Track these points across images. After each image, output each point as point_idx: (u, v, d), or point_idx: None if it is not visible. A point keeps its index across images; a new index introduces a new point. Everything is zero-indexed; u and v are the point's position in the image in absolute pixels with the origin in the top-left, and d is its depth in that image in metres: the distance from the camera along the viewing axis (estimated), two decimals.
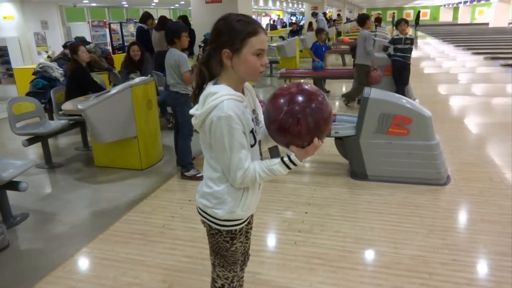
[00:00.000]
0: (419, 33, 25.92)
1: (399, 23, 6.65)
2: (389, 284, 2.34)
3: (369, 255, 2.67)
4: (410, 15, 36.89)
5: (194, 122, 1.41)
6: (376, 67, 6.25)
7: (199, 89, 1.44)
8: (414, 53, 14.03)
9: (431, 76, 10.20)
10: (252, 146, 1.41)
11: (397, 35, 6.58)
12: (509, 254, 2.60)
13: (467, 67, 11.62)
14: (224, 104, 1.30)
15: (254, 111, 1.48)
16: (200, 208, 1.54)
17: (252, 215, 1.70)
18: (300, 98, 1.32)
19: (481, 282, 2.37)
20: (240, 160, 1.35)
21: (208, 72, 1.43)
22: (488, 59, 12.88)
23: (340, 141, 3.84)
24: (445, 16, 46.15)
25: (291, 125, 1.30)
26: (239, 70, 1.36)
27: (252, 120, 1.42)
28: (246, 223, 1.58)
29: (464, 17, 40.31)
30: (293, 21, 24.48)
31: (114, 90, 4.15)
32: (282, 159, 1.39)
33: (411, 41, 6.49)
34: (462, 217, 3.19)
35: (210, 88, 1.37)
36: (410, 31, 15.22)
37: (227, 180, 1.42)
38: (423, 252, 2.63)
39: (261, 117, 1.54)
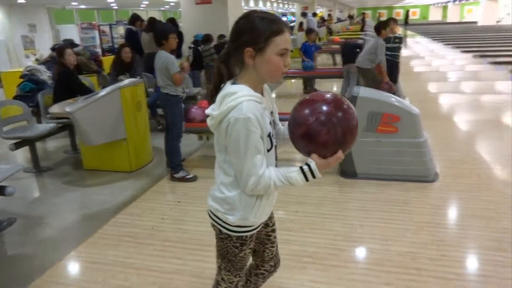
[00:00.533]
0: (409, 32, 26.11)
1: (388, 22, 6.69)
2: (379, 281, 2.35)
3: (359, 252, 2.68)
4: (400, 14, 37.14)
5: (210, 122, 1.35)
6: (387, 81, 5.96)
7: (216, 88, 1.38)
8: (404, 52, 14.13)
9: (421, 75, 10.28)
10: (268, 150, 1.36)
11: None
12: (497, 248, 2.62)
13: (456, 65, 11.72)
14: (243, 105, 1.25)
15: (271, 113, 1.44)
16: (211, 212, 1.50)
17: (272, 216, 1.66)
18: (334, 108, 1.28)
19: (469, 276, 2.39)
20: (254, 165, 1.29)
21: (227, 70, 1.37)
22: (477, 57, 13.01)
23: None
24: (435, 15, 46.59)
25: (319, 133, 1.26)
26: (261, 70, 1.31)
27: (270, 123, 1.37)
28: (259, 228, 1.54)
29: (453, 16, 40.72)
30: None
31: (102, 92, 4.13)
32: (301, 167, 1.31)
33: (400, 40, 6.54)
34: (451, 213, 3.21)
35: (228, 88, 1.32)
36: (400, 30, 15.30)
37: (239, 186, 1.38)
38: (412, 248, 2.64)
39: (278, 120, 1.51)
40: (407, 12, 31.74)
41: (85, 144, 4.14)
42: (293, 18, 28.10)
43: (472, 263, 2.53)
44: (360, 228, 2.94)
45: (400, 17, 32.66)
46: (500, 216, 3.03)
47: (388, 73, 6.53)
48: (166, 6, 22.16)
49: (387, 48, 6.50)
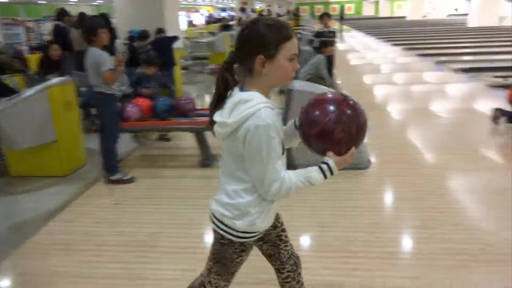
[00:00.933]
0: (344, 27, 27.15)
1: (322, 17, 6.92)
2: (317, 266, 2.43)
3: (299, 240, 2.75)
4: (336, 10, 38.50)
5: (221, 130, 1.34)
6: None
7: (221, 96, 1.37)
8: (341, 46, 14.70)
9: (356, 67, 10.75)
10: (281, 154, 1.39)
11: (321, 28, 6.83)
12: (424, 227, 2.82)
13: (388, 57, 12.40)
14: (261, 112, 1.26)
15: None
16: (215, 217, 1.47)
17: (279, 217, 1.66)
18: (347, 106, 1.34)
19: (399, 254, 2.56)
20: (276, 171, 1.30)
21: (232, 78, 1.37)
22: (406, 49, 13.83)
23: None
24: (368, 10, 48.84)
25: (334, 131, 1.30)
26: (272, 76, 1.32)
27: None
28: (263, 234, 1.55)
29: (384, 11, 42.96)
30: (222, 16, 24.45)
31: (28, 93, 3.85)
32: (320, 166, 1.34)
33: (334, 34, 6.78)
34: (383, 196, 3.40)
35: (240, 95, 1.31)
36: (335, 25, 15.79)
37: (254, 191, 1.38)
38: (348, 233, 2.76)
39: None
40: (342, 7, 32.97)
41: (11, 148, 3.85)
42: (233, 13, 28.10)
43: (402, 242, 2.70)
44: (299, 217, 3.02)
45: (336, 12, 33.83)
46: (426, 197, 3.26)
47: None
48: (99, 1, 21.16)
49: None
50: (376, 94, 7.45)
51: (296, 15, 18.90)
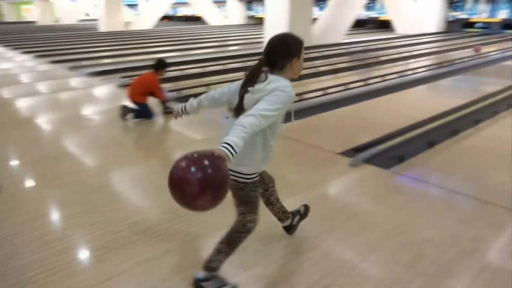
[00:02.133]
0: None
1: None
2: None
3: None
4: None
5: (254, 96, 1.97)
6: None
7: (255, 78, 2.02)
8: None
9: None
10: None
11: None
12: (87, 223, 3.23)
13: (22, 67, 11.60)
14: (291, 89, 1.97)
15: None
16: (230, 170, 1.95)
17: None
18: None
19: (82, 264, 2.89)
20: (271, 113, 1.88)
21: (261, 72, 2.04)
22: (39, 57, 13.24)
23: None
24: None
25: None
26: (296, 70, 2.08)
27: None
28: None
29: (10, 15, 39.07)
30: None
31: None
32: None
33: None
34: (46, 212, 3.45)
35: (274, 77, 2.00)
36: None
37: (260, 144, 2.07)
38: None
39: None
40: None
41: None
42: None
43: (77, 250, 2.98)
44: None
45: None
46: (87, 198, 3.65)
47: None
48: None
49: None
50: (20, 107, 7.06)
51: None
